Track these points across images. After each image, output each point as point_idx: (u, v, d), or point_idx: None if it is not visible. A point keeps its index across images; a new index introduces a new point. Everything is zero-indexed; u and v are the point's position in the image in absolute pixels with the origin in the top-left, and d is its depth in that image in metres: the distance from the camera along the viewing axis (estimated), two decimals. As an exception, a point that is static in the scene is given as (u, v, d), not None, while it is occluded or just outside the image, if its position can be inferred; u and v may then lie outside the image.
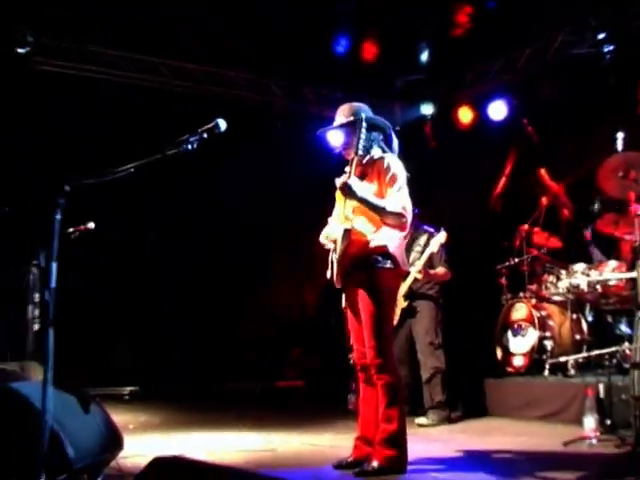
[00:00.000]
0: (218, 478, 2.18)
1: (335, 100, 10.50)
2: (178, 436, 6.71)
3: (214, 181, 11.02)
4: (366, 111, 5.13)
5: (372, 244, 4.84)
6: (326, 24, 9.61)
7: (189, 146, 4.12)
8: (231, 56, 9.90)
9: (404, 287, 7.16)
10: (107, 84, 9.47)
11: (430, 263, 7.43)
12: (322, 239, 5.16)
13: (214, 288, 11.40)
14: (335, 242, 4.94)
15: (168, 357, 11.25)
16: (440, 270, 7.52)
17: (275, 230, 11.55)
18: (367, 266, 4.84)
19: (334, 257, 4.95)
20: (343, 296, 5.12)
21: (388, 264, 4.85)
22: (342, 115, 5.15)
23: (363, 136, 4.89)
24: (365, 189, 4.83)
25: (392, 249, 4.88)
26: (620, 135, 7.63)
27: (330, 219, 5.24)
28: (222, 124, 4.18)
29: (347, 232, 4.82)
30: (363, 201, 4.77)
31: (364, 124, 4.89)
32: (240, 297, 11.56)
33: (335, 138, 5.48)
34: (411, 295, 7.33)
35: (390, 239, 4.88)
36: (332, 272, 4.97)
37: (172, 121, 8.94)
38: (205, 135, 4.15)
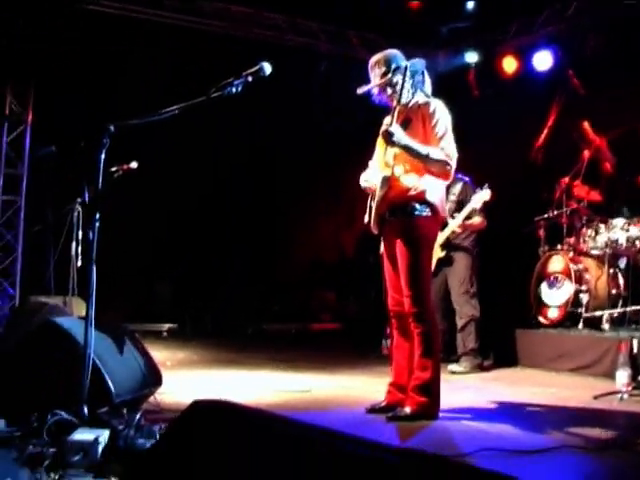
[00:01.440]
0: (262, 425, 2.25)
1: (380, 46, 10.51)
2: (215, 374, 6.88)
3: (258, 121, 11.04)
4: (400, 57, 5.05)
5: (411, 192, 4.85)
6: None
7: (233, 89, 4.15)
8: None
9: (441, 237, 7.17)
10: (151, 24, 9.47)
11: (468, 215, 7.46)
12: (362, 182, 5.13)
13: (253, 229, 11.52)
14: (374, 188, 4.97)
15: (206, 296, 11.43)
16: (476, 220, 7.55)
17: (317, 172, 11.58)
18: (405, 213, 4.84)
19: (372, 203, 4.99)
20: (381, 243, 5.16)
21: (427, 212, 4.84)
22: (378, 67, 5.03)
23: (407, 85, 4.88)
24: (407, 136, 4.78)
25: (431, 196, 4.86)
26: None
27: (371, 162, 5.23)
28: (267, 67, 4.22)
29: (386, 179, 4.82)
30: (406, 148, 4.74)
31: (408, 72, 4.86)
32: (278, 239, 11.67)
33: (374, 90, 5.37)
34: (448, 245, 7.37)
35: (430, 186, 4.87)
36: (370, 217, 5.00)
37: (215, 63, 8.97)
38: (250, 78, 4.19)
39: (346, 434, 2.27)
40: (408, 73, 4.86)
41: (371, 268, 7.61)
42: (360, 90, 5.07)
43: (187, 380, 6.37)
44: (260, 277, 11.69)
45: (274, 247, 11.73)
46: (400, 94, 4.86)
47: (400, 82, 4.89)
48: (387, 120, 4.97)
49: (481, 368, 7.42)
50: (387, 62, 5.02)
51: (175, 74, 9.79)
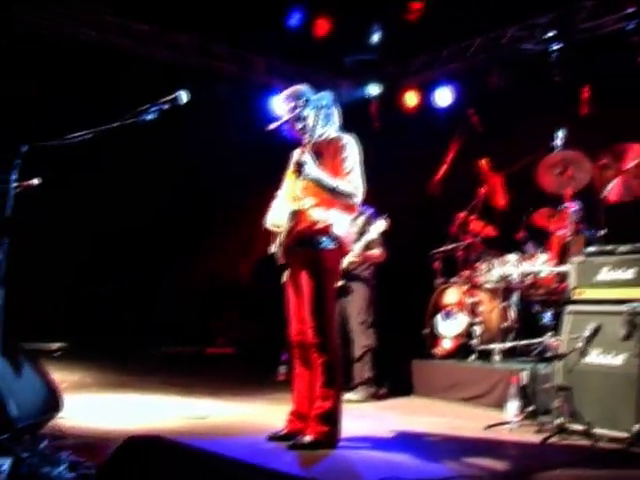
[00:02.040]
0: (196, 461, 2.25)
1: (284, 72, 10.63)
2: (110, 398, 6.76)
3: (160, 145, 10.95)
4: (309, 91, 5.17)
5: (318, 225, 4.92)
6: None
7: (149, 116, 4.15)
8: (181, 19, 9.82)
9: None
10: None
11: (367, 246, 7.57)
12: (269, 225, 5.19)
13: (149, 250, 11.38)
14: (281, 226, 5.01)
15: (97, 315, 11.21)
16: (376, 252, 7.66)
17: (217, 196, 11.54)
18: (311, 245, 4.91)
19: (280, 235, 5.03)
20: (286, 272, 5.19)
21: (332, 244, 4.94)
22: (288, 102, 5.14)
23: (320, 125, 4.97)
24: (317, 168, 4.86)
25: (337, 230, 4.95)
26: (560, 133, 7.85)
27: (279, 193, 5.29)
28: (184, 96, 4.22)
29: (294, 213, 4.89)
30: (316, 180, 4.81)
31: (321, 113, 4.95)
32: (175, 262, 11.56)
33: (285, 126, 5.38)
34: (346, 275, 7.45)
35: (337, 220, 4.96)
36: (276, 247, 5.05)
37: (122, 83, 8.89)
38: (165, 106, 4.19)
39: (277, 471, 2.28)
40: (322, 111, 4.95)
41: (267, 294, 7.64)
42: (271, 126, 5.12)
43: (84, 404, 6.24)
44: (156, 299, 11.54)
45: (171, 272, 11.60)
46: (311, 128, 4.94)
47: (310, 116, 4.98)
48: (297, 153, 5.02)
49: (376, 397, 7.51)
50: (297, 96, 5.13)
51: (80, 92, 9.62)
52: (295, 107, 5.08)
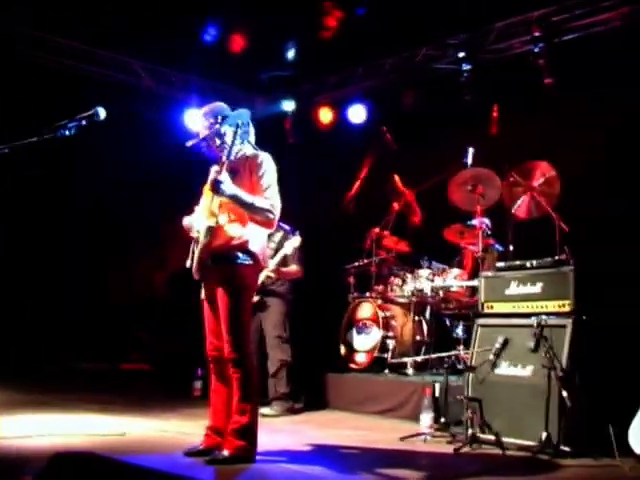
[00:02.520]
0: (125, 476, 2.26)
1: (199, 87, 10.64)
2: (23, 417, 6.60)
3: (74, 160, 10.82)
4: (227, 109, 5.23)
5: (234, 241, 4.95)
6: (197, 11, 9.62)
7: (67, 132, 4.14)
8: (98, 33, 9.74)
9: None
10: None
11: (283, 262, 7.64)
12: (186, 227, 5.19)
13: (63, 266, 11.21)
14: (198, 235, 5.03)
15: (10, 333, 10.97)
16: (292, 268, 7.74)
17: (132, 211, 11.43)
18: (227, 261, 4.93)
19: (195, 248, 5.05)
20: (202, 288, 5.22)
21: (248, 261, 4.97)
22: (205, 119, 5.18)
23: (237, 142, 5.02)
24: (235, 186, 4.89)
25: (253, 246, 4.99)
26: (471, 150, 8.08)
27: (197, 208, 5.31)
28: (101, 112, 4.22)
29: (210, 229, 4.90)
30: (233, 197, 4.84)
31: (238, 130, 5.00)
32: (92, 277, 11.41)
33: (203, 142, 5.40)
34: (262, 290, 7.49)
35: (253, 236, 5.01)
36: (192, 263, 5.07)
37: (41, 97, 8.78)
38: (84, 122, 4.18)
39: None
40: (238, 131, 4.99)
41: (182, 309, 7.62)
42: (189, 143, 5.15)
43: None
44: (70, 315, 11.35)
45: (86, 285, 11.44)
46: (229, 145, 4.99)
47: (228, 133, 5.04)
48: (214, 170, 5.05)
49: (292, 411, 7.57)
50: (214, 114, 5.18)
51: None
52: (213, 124, 5.13)
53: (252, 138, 5.30)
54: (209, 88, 10.86)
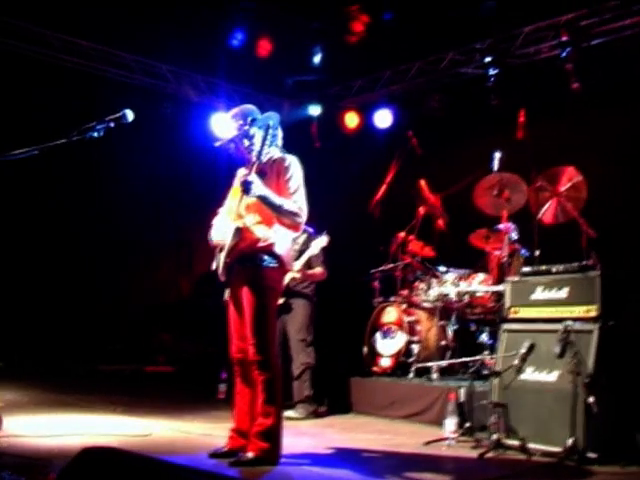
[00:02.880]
0: (154, 472, 2.27)
1: (226, 91, 10.69)
2: (50, 417, 6.66)
3: (102, 161, 10.89)
4: (257, 111, 5.26)
5: (260, 243, 4.97)
6: (224, 16, 9.68)
7: (95, 133, 4.16)
8: (125, 37, 9.81)
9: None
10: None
11: (308, 263, 7.66)
12: (212, 239, 5.21)
13: (91, 268, 11.28)
14: (223, 243, 5.05)
15: (36, 334, 11.06)
16: (317, 270, 7.75)
17: (158, 214, 11.49)
18: (253, 263, 4.95)
19: (221, 251, 5.08)
20: (227, 290, 5.22)
21: (274, 263, 4.99)
22: (235, 120, 5.21)
23: (268, 142, 5.02)
24: (264, 187, 4.91)
25: (279, 249, 5.02)
26: (497, 155, 8.04)
27: (221, 210, 5.33)
28: (129, 115, 4.25)
29: (238, 230, 4.93)
30: (262, 198, 4.86)
31: (268, 133, 5.02)
32: (117, 280, 11.47)
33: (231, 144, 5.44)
34: (287, 292, 7.49)
35: (279, 238, 5.03)
36: (218, 265, 5.09)
37: (68, 100, 8.85)
38: (112, 124, 4.21)
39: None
40: (270, 132, 5.01)
41: (208, 312, 7.63)
42: (218, 143, 5.19)
43: (22, 423, 6.12)
44: (95, 316, 11.42)
45: (111, 287, 11.51)
46: (257, 147, 5.00)
47: (257, 135, 5.06)
48: (242, 171, 5.09)
49: (316, 414, 7.59)
50: (244, 115, 5.20)
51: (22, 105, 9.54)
52: (242, 125, 5.16)
53: (279, 142, 5.32)
54: (235, 92, 10.92)
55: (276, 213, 4.93)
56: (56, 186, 10.70)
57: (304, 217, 5.00)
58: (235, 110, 5.31)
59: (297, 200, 4.98)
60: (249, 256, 4.96)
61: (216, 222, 5.27)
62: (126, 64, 10.18)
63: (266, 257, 4.96)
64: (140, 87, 10.34)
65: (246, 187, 4.82)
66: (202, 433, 6.06)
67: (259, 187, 4.86)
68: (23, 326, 10.99)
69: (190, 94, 10.82)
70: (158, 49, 9.97)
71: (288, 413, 7.36)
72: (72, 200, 10.94)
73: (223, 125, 5.40)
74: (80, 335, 11.12)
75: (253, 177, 4.88)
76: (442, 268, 8.22)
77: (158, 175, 10.90)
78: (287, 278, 7.32)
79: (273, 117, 5.17)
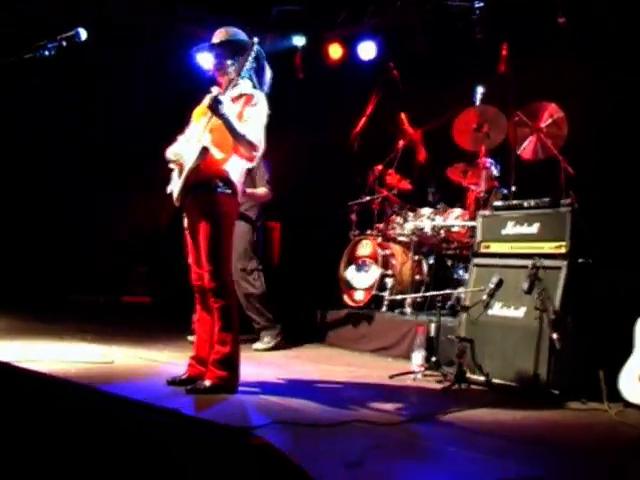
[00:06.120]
0: (39, 387, 2.22)
1: (208, 22, 10.44)
2: (18, 344, 6.61)
3: (77, 95, 10.70)
4: (241, 36, 5.14)
5: (217, 168, 4.88)
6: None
7: (46, 52, 4.03)
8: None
9: None
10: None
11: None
12: (169, 155, 5.11)
13: (70, 200, 11.16)
14: (181, 162, 4.96)
15: (11, 264, 10.99)
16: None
17: (135, 145, 11.33)
18: (207, 189, 4.87)
19: (178, 175, 4.99)
20: (184, 218, 5.16)
21: (228, 190, 4.91)
22: (219, 36, 5.13)
23: (250, 59, 4.88)
24: (231, 112, 4.84)
25: (234, 176, 4.95)
26: (479, 89, 7.92)
27: (180, 137, 5.22)
28: (82, 33, 4.13)
29: (204, 150, 4.79)
30: (226, 121, 4.76)
31: (255, 48, 4.87)
32: (95, 212, 11.36)
33: (208, 59, 5.33)
34: None
35: (234, 167, 4.95)
36: (173, 189, 5.02)
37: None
38: (64, 43, 4.08)
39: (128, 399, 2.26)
40: (255, 49, 4.88)
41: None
42: (196, 48, 5.12)
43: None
44: (72, 247, 11.34)
45: (92, 220, 11.39)
46: (234, 75, 4.89)
47: (239, 62, 4.91)
48: (215, 89, 4.97)
49: (281, 337, 7.48)
50: (228, 34, 5.12)
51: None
52: (228, 45, 5.07)
53: (267, 79, 5.17)
54: (220, 22, 10.67)
55: (236, 141, 4.83)
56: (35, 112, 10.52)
57: (260, 152, 4.92)
58: (227, 30, 5.17)
59: (259, 132, 4.90)
60: (204, 181, 4.87)
61: (178, 140, 5.16)
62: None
63: (220, 183, 4.88)
64: (117, 20, 10.07)
65: (215, 104, 4.72)
66: (168, 362, 6.03)
67: (227, 108, 4.77)
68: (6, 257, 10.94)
69: (171, 24, 10.58)
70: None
71: (256, 345, 7.35)
72: (49, 130, 10.77)
73: (214, 39, 5.23)
74: (56, 265, 11.04)
75: (225, 98, 4.80)
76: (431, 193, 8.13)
77: (133, 107, 10.72)
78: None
79: (260, 52, 5.02)
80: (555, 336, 5.23)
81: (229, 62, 5.06)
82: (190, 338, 7.14)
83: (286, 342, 7.55)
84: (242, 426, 3.87)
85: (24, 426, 2.19)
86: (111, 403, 2.23)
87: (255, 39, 4.95)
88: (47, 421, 2.16)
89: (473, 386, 5.64)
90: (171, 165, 5.06)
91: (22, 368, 2.45)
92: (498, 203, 6.33)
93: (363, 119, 8.82)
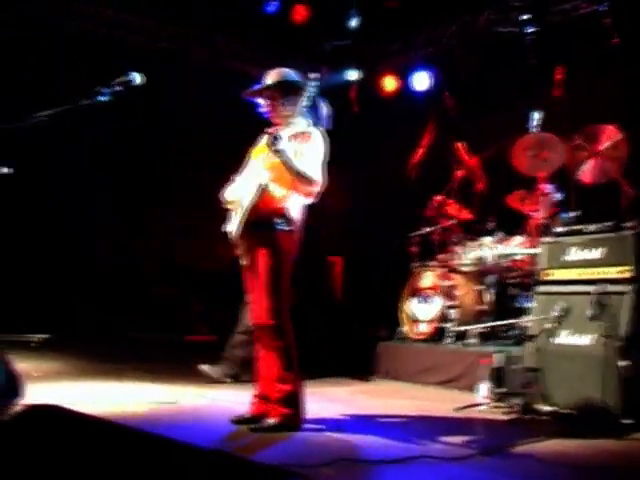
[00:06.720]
0: (97, 432, 2.24)
1: (261, 58, 10.58)
2: (82, 385, 6.72)
3: (134, 130, 10.91)
4: (293, 76, 5.14)
5: (276, 205, 4.89)
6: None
7: (102, 98, 4.11)
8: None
9: None
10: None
11: None
12: (227, 196, 5.14)
13: (126, 240, 11.35)
14: (239, 202, 4.98)
15: (78, 305, 11.19)
16: None
17: (195, 180, 11.47)
18: (267, 226, 4.87)
19: (236, 213, 5.01)
20: (243, 254, 5.14)
21: (287, 227, 4.91)
22: (273, 78, 5.12)
23: (305, 96, 4.91)
24: (289, 149, 4.83)
25: (293, 213, 4.96)
26: (535, 115, 7.85)
27: (237, 177, 5.26)
28: (137, 77, 4.17)
29: (261, 187, 4.83)
30: (284, 158, 4.77)
31: (311, 85, 4.90)
32: (153, 247, 11.51)
33: (261, 100, 5.34)
34: None
35: (294, 204, 4.96)
36: (232, 227, 5.04)
37: (88, 67, 8.85)
38: (119, 88, 4.15)
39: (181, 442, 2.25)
40: (308, 93, 4.92)
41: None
42: (246, 92, 5.17)
43: (52, 391, 6.18)
44: (136, 288, 11.51)
45: (148, 255, 11.55)
46: (289, 114, 4.92)
47: (291, 102, 4.96)
48: (271, 130, 4.98)
49: (236, 379, 7.17)
50: (280, 75, 5.11)
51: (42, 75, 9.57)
52: (283, 90, 5.07)
53: (309, 115, 5.19)
54: (271, 59, 10.80)
55: (296, 178, 4.83)
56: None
57: (319, 189, 4.91)
58: (278, 71, 5.18)
59: (318, 170, 4.90)
60: (264, 218, 4.88)
61: (233, 183, 5.20)
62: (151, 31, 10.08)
63: (279, 220, 4.88)
64: (167, 55, 10.25)
65: (274, 141, 4.75)
66: (231, 400, 6.03)
67: (284, 145, 4.80)
68: (67, 298, 11.14)
69: (225, 62, 10.73)
70: (189, 15, 9.89)
71: (203, 367, 7.22)
72: (109, 169, 10.98)
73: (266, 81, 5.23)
74: (118, 304, 11.20)
75: (283, 135, 4.82)
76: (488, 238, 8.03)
77: (188, 142, 10.88)
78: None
79: (311, 89, 5.05)
80: (623, 364, 5.11)
81: (283, 103, 5.08)
82: (201, 367, 7.18)
83: (348, 377, 7.51)
84: (308, 464, 3.84)
85: (72, 468, 2.21)
86: (173, 448, 2.23)
87: (311, 75, 4.97)
88: (94, 464, 2.17)
89: (541, 417, 5.51)
90: (229, 206, 5.09)
91: (73, 411, 2.46)
92: (560, 229, 6.23)
93: (420, 150, 8.81)
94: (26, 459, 2.23)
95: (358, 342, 8.35)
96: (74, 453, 2.16)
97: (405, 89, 10.40)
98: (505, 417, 5.55)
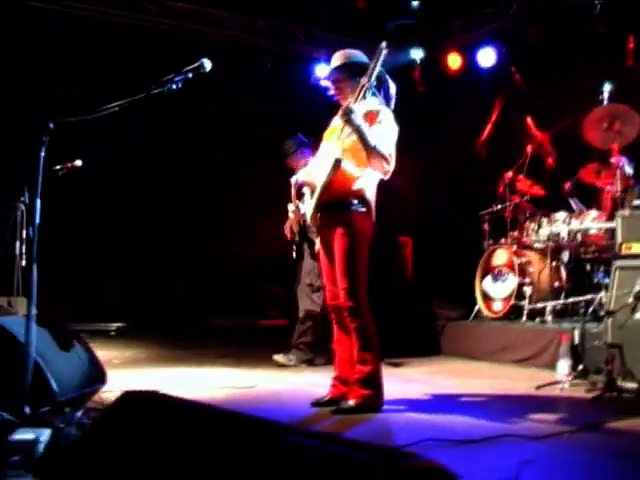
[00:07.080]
0: (193, 415, 2.25)
1: (325, 41, 10.54)
2: (161, 371, 6.83)
3: (201, 120, 10.99)
4: (361, 57, 5.10)
5: (352, 186, 4.85)
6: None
7: (173, 85, 4.12)
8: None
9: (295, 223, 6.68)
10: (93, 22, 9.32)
11: None
12: (302, 177, 5.11)
13: (199, 225, 11.45)
14: (313, 183, 4.96)
15: (155, 293, 11.35)
16: None
17: (267, 165, 11.50)
18: (343, 207, 4.85)
19: (310, 195, 5.00)
20: (317, 238, 5.16)
21: (362, 208, 4.88)
22: (339, 59, 5.08)
23: (379, 64, 4.79)
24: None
25: (369, 194, 4.92)
26: (607, 86, 7.69)
27: (312, 161, 5.24)
28: (207, 64, 4.18)
29: (337, 162, 4.74)
30: (359, 131, 4.71)
31: (383, 53, 4.80)
32: (226, 233, 11.59)
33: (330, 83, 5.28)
34: (303, 232, 6.88)
35: (368, 184, 4.92)
36: (306, 210, 5.04)
37: (159, 61, 8.92)
38: (190, 75, 4.17)
39: (283, 424, 2.26)
40: (379, 64, 4.83)
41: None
42: (321, 77, 5.13)
43: (133, 378, 6.30)
44: (207, 272, 11.62)
45: (222, 241, 11.64)
46: (358, 95, 4.85)
47: (371, 68, 4.86)
48: (344, 107, 4.90)
49: (310, 364, 7.23)
50: (346, 56, 5.08)
51: (115, 70, 9.69)
52: (351, 70, 5.01)
53: (392, 92, 5.12)
54: (335, 42, 10.76)
55: (369, 152, 4.76)
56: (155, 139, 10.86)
57: (392, 166, 4.85)
58: (345, 52, 5.14)
59: (390, 146, 4.85)
60: (339, 199, 4.85)
61: (308, 165, 5.20)
62: (219, 21, 10.13)
63: (355, 201, 4.85)
64: (237, 44, 10.29)
65: (348, 114, 4.68)
66: (309, 383, 6.06)
67: (359, 118, 4.74)
68: (143, 286, 11.32)
69: (288, 47, 10.73)
70: (252, 3, 9.89)
71: (277, 357, 7.21)
72: (175, 155, 11.10)
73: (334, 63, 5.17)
74: (194, 292, 11.33)
75: (356, 107, 4.74)
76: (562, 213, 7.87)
77: (261, 127, 10.89)
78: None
79: (384, 53, 4.92)
80: None
81: (351, 85, 5.02)
82: (276, 357, 7.18)
83: (425, 357, 7.49)
84: (392, 445, 3.83)
85: (173, 455, 2.22)
86: (263, 428, 2.23)
87: (383, 44, 4.86)
88: (197, 450, 2.18)
89: (624, 394, 5.41)
90: (304, 189, 5.08)
91: (170, 396, 2.49)
92: (637, 202, 6.10)
93: (489, 127, 8.70)
94: (128, 446, 2.26)
95: (427, 321, 8.28)
96: (176, 439, 2.18)
97: (470, 66, 10.24)
98: (588, 395, 5.46)
